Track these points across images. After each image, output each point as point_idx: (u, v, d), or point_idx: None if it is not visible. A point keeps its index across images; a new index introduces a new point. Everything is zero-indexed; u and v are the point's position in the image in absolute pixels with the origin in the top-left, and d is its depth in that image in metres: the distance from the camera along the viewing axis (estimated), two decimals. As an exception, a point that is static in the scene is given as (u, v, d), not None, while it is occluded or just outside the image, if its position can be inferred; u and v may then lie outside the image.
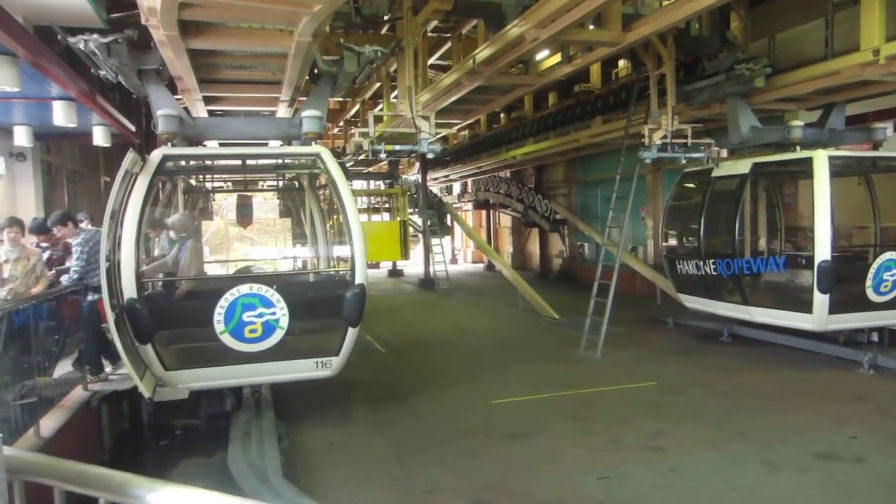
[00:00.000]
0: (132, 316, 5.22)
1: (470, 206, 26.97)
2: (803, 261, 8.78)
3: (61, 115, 6.64)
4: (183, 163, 7.92)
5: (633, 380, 7.92)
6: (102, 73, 5.97)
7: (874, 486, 4.83)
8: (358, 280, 5.80)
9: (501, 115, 18.12)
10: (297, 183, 10.70)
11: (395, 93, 10.58)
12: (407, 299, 17.34)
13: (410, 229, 18.78)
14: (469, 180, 25.14)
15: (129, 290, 5.23)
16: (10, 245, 5.80)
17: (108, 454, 5.97)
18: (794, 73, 8.40)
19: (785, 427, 6.10)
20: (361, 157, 8.83)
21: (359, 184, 20.05)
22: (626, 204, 10.26)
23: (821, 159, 7.63)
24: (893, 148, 9.11)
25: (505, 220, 25.42)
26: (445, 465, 5.43)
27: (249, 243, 28.98)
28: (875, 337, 8.64)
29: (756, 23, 9.26)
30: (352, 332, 5.86)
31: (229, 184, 12.29)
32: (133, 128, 9.02)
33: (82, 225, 8.04)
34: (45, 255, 6.47)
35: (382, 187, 19.56)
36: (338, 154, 9.28)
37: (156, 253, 8.37)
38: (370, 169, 20.62)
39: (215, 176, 11.11)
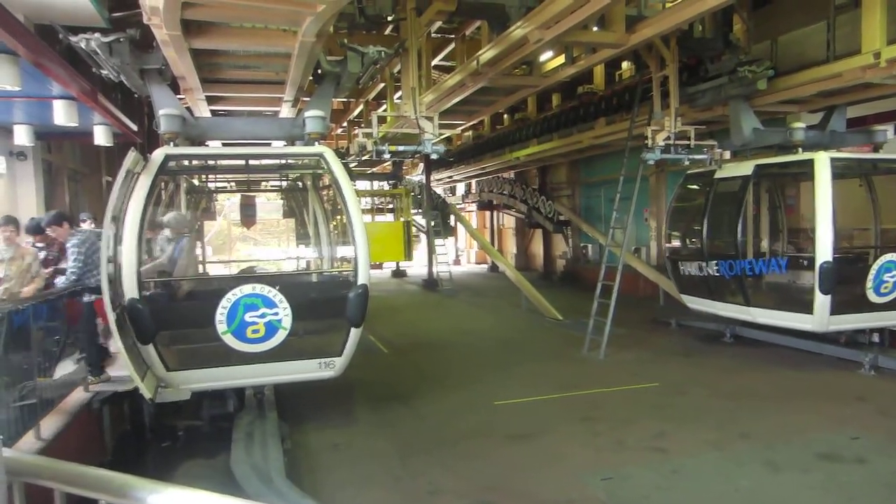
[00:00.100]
0: (134, 316, 5.21)
1: (473, 206, 26.98)
2: (805, 262, 8.78)
3: (62, 115, 6.62)
4: (185, 162, 7.92)
5: (636, 381, 7.91)
6: (104, 72, 5.96)
7: (875, 487, 4.84)
8: (361, 280, 5.79)
9: (505, 116, 18.11)
10: (300, 183, 10.71)
11: (399, 93, 10.58)
12: (410, 300, 17.34)
13: (414, 230, 18.79)
14: (473, 181, 25.14)
15: (130, 290, 5.22)
16: (4, 244, 5.72)
17: (109, 456, 5.95)
18: (796, 76, 8.42)
19: (787, 428, 6.09)
20: (365, 157, 8.84)
21: (362, 184, 20.09)
22: (629, 205, 10.25)
23: (822, 161, 7.65)
24: (894, 150, 9.11)
25: (508, 220, 25.42)
26: (448, 466, 5.42)
27: (252, 243, 29.04)
28: (876, 338, 8.66)
29: (758, 25, 9.27)
30: (355, 333, 5.86)
31: (232, 184, 12.31)
32: (135, 127, 9.02)
33: (85, 225, 8.06)
34: (41, 255, 6.43)
35: (386, 188, 19.59)
36: (341, 154, 9.28)
37: (157, 253, 8.39)
38: (374, 169, 20.64)
39: (218, 176, 11.13)
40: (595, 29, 7.71)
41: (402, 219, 17.06)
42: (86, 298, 5.91)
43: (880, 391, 7.21)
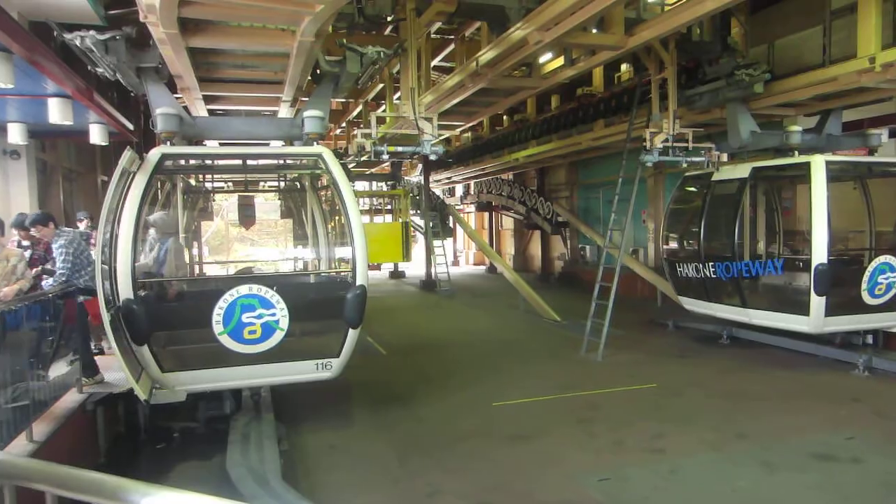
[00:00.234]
0: (128, 317, 5.18)
1: (472, 207, 26.96)
2: (800, 264, 8.82)
3: (57, 113, 6.56)
4: (182, 162, 7.89)
5: (633, 382, 7.91)
6: (100, 70, 5.92)
7: (871, 487, 4.87)
8: (359, 281, 5.77)
9: (504, 117, 18.11)
10: (298, 184, 10.67)
11: (398, 94, 10.55)
12: (408, 301, 17.32)
13: (412, 231, 18.76)
14: (471, 182, 25.12)
15: (125, 290, 5.18)
16: None
17: (103, 458, 5.91)
18: (793, 80, 8.46)
19: (783, 428, 6.11)
20: (364, 158, 8.81)
21: (361, 185, 20.04)
22: (627, 207, 10.27)
23: (818, 164, 7.69)
24: (888, 153, 9.16)
25: (507, 222, 25.42)
26: (447, 467, 5.40)
27: (250, 244, 28.97)
28: (870, 339, 8.76)
29: (756, 29, 9.31)
30: (352, 334, 5.83)
31: (230, 184, 12.26)
32: (131, 126, 8.97)
33: (82, 225, 8.02)
34: (27, 255, 6.36)
35: (385, 189, 19.54)
36: (340, 155, 9.25)
37: (147, 253, 8.34)
38: (372, 170, 20.61)
39: (215, 176, 11.08)
40: (594, 31, 7.71)
41: (400, 220, 17.02)
42: (79, 299, 5.87)
43: (874, 392, 7.24)
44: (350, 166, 11.35)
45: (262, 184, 12.51)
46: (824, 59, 8.12)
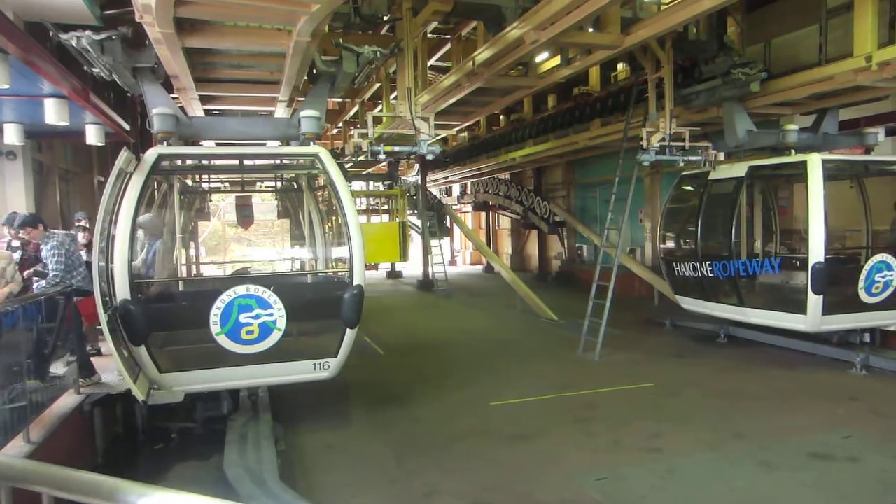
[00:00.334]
0: (126, 317, 5.17)
1: (469, 207, 26.96)
2: (798, 262, 8.84)
3: (53, 113, 6.53)
4: (179, 162, 7.87)
5: (631, 381, 7.92)
6: (96, 70, 5.91)
7: (868, 485, 4.88)
8: (356, 281, 5.77)
9: (501, 116, 18.11)
10: (295, 184, 10.66)
11: (395, 94, 10.55)
12: (405, 301, 17.31)
13: (409, 231, 18.77)
14: (468, 182, 25.12)
15: (122, 291, 5.17)
16: None
17: (101, 459, 5.90)
18: (789, 79, 8.47)
19: (780, 427, 6.12)
20: (360, 158, 8.80)
21: (358, 185, 20.03)
22: (624, 206, 10.28)
23: (814, 163, 7.70)
24: (885, 152, 9.18)
25: (504, 221, 25.42)
26: (444, 467, 5.40)
27: (247, 244, 28.93)
28: (867, 337, 8.76)
29: (752, 28, 9.33)
30: (350, 334, 5.83)
31: (226, 184, 12.24)
32: (128, 126, 8.94)
33: (80, 225, 8.01)
34: (17, 256, 6.34)
35: (381, 188, 19.53)
36: (337, 155, 9.23)
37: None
38: (369, 170, 20.59)
39: (212, 176, 11.06)
40: (591, 30, 7.73)
41: (397, 219, 17.02)
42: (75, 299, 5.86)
43: (872, 390, 7.25)
44: (347, 166, 11.33)
45: (259, 184, 12.50)
46: (821, 57, 8.13)
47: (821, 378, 7.84)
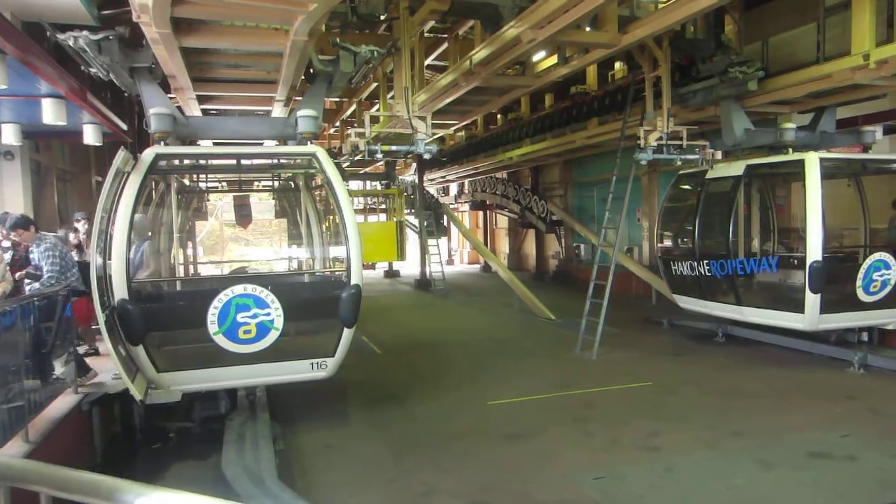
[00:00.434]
0: (123, 317, 5.16)
1: (466, 206, 26.96)
2: (795, 261, 8.86)
3: (50, 113, 6.52)
4: (176, 162, 7.87)
5: (628, 380, 7.93)
6: (93, 70, 5.91)
7: (866, 483, 4.88)
8: (353, 280, 5.77)
9: (498, 116, 18.09)
10: (292, 183, 10.65)
11: (392, 93, 10.54)
12: (403, 300, 17.31)
13: (407, 230, 18.77)
14: (466, 181, 25.13)
15: (120, 290, 5.17)
16: None
17: (99, 458, 5.90)
18: (787, 77, 8.47)
19: (778, 426, 6.13)
20: (358, 157, 8.80)
21: (355, 184, 20.01)
22: (621, 205, 10.29)
23: (812, 161, 7.71)
24: (882, 150, 9.19)
25: (501, 220, 25.43)
26: (442, 466, 5.41)
27: (244, 244, 28.90)
28: (865, 336, 8.75)
29: (750, 26, 9.32)
30: (347, 333, 5.83)
31: (224, 184, 12.23)
32: (125, 126, 8.92)
33: (79, 225, 8.00)
34: (8, 257, 6.32)
35: (379, 188, 19.52)
36: (334, 154, 9.24)
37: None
38: (366, 169, 20.55)
39: (210, 176, 11.05)
40: (588, 29, 7.72)
41: (394, 219, 17.01)
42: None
43: (870, 389, 7.27)
44: (344, 165, 11.33)
45: (256, 183, 12.49)
46: (818, 56, 8.12)
47: (819, 377, 7.85)
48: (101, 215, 5.12)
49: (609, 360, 9.02)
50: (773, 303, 8.67)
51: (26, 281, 6.04)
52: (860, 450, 5.47)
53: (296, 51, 5.57)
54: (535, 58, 11.96)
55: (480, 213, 26.88)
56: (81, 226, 7.95)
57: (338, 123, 18.53)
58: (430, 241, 19.15)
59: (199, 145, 8.85)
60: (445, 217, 22.05)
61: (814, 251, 7.54)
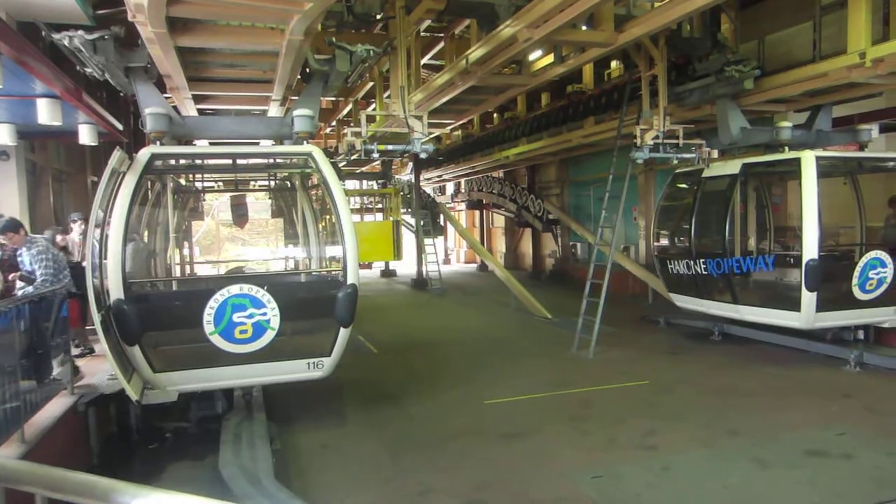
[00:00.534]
0: (119, 317, 5.15)
1: (463, 206, 26.98)
2: (791, 260, 8.88)
3: (46, 113, 6.50)
4: (172, 162, 7.84)
5: (625, 379, 7.94)
6: (88, 70, 5.88)
7: (862, 482, 4.90)
8: (350, 280, 5.77)
9: (494, 115, 18.11)
10: (288, 183, 10.63)
11: (388, 92, 10.53)
12: (399, 299, 17.31)
13: (403, 229, 18.76)
14: (462, 180, 25.13)
15: (115, 290, 5.16)
16: None
17: (96, 459, 5.88)
18: (783, 75, 8.49)
19: (774, 424, 6.15)
20: (354, 156, 8.77)
21: (351, 184, 20.01)
22: (618, 204, 10.30)
23: (808, 160, 7.73)
24: (878, 149, 9.22)
25: (498, 220, 25.44)
26: (439, 465, 5.41)
27: (241, 243, 28.86)
28: (861, 334, 8.77)
29: (746, 25, 9.34)
30: (344, 333, 5.83)
31: (220, 183, 12.20)
32: (121, 126, 8.90)
33: (75, 226, 7.97)
34: None
35: (375, 187, 19.51)
36: (330, 154, 9.22)
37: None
38: (363, 169, 20.56)
39: (205, 175, 11.02)
40: (584, 28, 7.72)
41: (391, 218, 17.01)
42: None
43: (866, 387, 7.30)
44: (340, 165, 11.32)
45: (252, 183, 12.46)
46: (814, 54, 8.14)
47: (815, 375, 7.88)
48: (96, 215, 5.10)
49: (606, 359, 9.04)
50: (769, 301, 8.69)
51: (19, 284, 6.01)
52: (856, 448, 5.49)
53: (292, 50, 5.56)
54: (532, 57, 11.98)
55: (477, 213, 26.89)
56: (77, 226, 7.92)
57: (334, 123, 18.53)
58: (427, 241, 19.15)
59: (195, 145, 8.83)
60: (442, 216, 22.04)
61: (810, 249, 7.56)
